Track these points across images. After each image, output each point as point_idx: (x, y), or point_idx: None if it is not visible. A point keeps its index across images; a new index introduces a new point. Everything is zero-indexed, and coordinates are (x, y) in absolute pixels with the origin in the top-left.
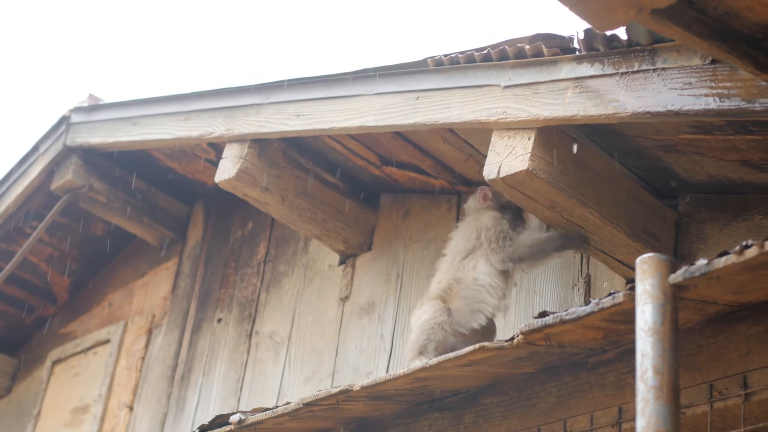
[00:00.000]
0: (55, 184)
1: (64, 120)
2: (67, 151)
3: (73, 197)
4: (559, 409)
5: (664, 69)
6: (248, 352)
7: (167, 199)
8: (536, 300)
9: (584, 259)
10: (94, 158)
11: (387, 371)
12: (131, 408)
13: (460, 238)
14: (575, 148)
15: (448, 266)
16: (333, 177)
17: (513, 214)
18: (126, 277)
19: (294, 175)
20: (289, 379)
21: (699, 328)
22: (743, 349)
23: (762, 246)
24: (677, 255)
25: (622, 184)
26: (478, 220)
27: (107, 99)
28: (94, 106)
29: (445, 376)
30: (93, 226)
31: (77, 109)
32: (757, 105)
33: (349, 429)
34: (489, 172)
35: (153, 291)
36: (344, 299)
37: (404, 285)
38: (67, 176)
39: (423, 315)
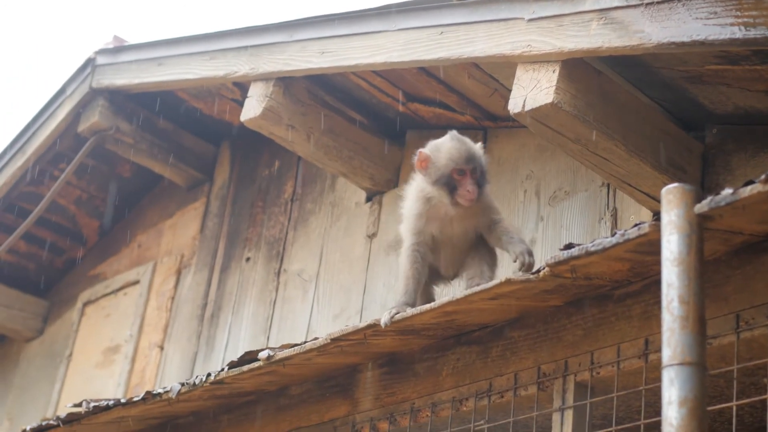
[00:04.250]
0: (82, 126)
1: (89, 62)
2: (93, 93)
3: (100, 139)
4: (586, 342)
5: None
6: (276, 291)
7: (193, 140)
8: (563, 233)
9: (611, 193)
10: (120, 100)
11: None
12: (162, 347)
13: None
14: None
15: None
16: (359, 114)
17: (448, 188)
18: (154, 218)
19: (319, 112)
20: (317, 317)
21: (725, 259)
22: None
23: None
24: (704, 186)
25: (647, 117)
26: (407, 199)
27: (132, 40)
28: (119, 48)
29: (472, 310)
30: (120, 167)
31: (102, 51)
32: None
33: (377, 364)
34: (514, 105)
35: (181, 231)
36: (371, 236)
37: None
38: (94, 118)
39: None
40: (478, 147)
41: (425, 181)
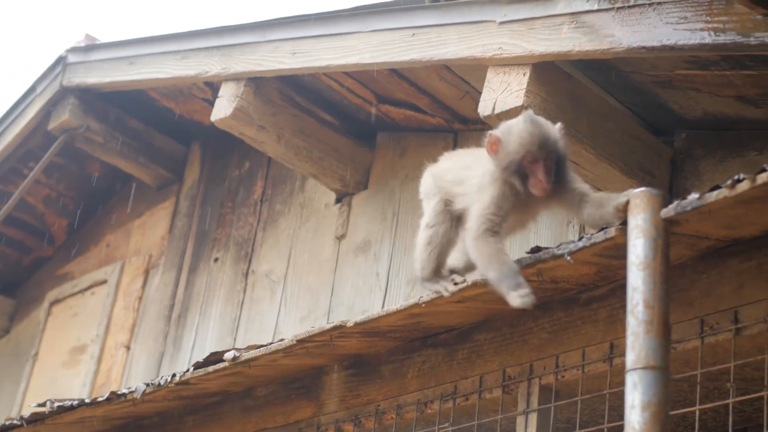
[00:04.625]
0: (52, 125)
1: (60, 60)
2: (64, 92)
3: (70, 137)
4: (552, 345)
5: (659, 3)
6: (244, 291)
7: (164, 139)
8: (531, 237)
9: None
10: (91, 98)
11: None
12: (128, 348)
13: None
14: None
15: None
16: (329, 116)
17: (519, 176)
18: (123, 218)
19: (290, 113)
20: (285, 318)
21: (691, 264)
22: (735, 284)
23: (754, 180)
24: (672, 191)
25: (617, 121)
26: (481, 174)
27: (104, 39)
28: (91, 46)
29: (439, 313)
30: (90, 166)
31: (74, 50)
32: (752, 39)
33: (343, 366)
34: (484, 108)
35: (150, 231)
36: (340, 238)
37: (400, 223)
38: (64, 116)
39: None
40: (556, 129)
41: (494, 165)
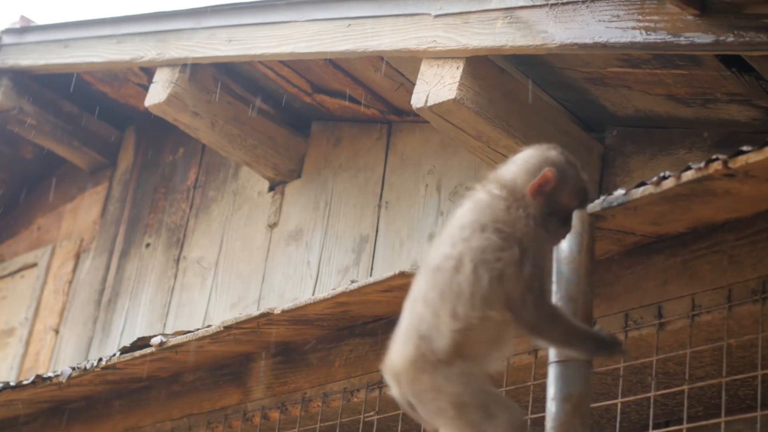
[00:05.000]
0: None
1: None
2: None
3: (3, 119)
4: None
5: (593, 1)
6: (175, 278)
7: (98, 124)
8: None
9: None
10: (25, 80)
11: None
12: (57, 331)
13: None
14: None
15: None
16: (264, 104)
17: (561, 221)
18: (55, 201)
19: (225, 101)
20: (215, 305)
21: (617, 259)
22: (660, 279)
23: (679, 177)
24: (602, 187)
25: (549, 116)
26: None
27: (39, 21)
28: (26, 28)
29: (367, 302)
30: (23, 149)
31: (8, 31)
32: (682, 39)
33: (270, 353)
34: (417, 100)
35: (82, 215)
36: (272, 226)
37: (332, 213)
38: None
39: None
40: None
41: (534, 206)
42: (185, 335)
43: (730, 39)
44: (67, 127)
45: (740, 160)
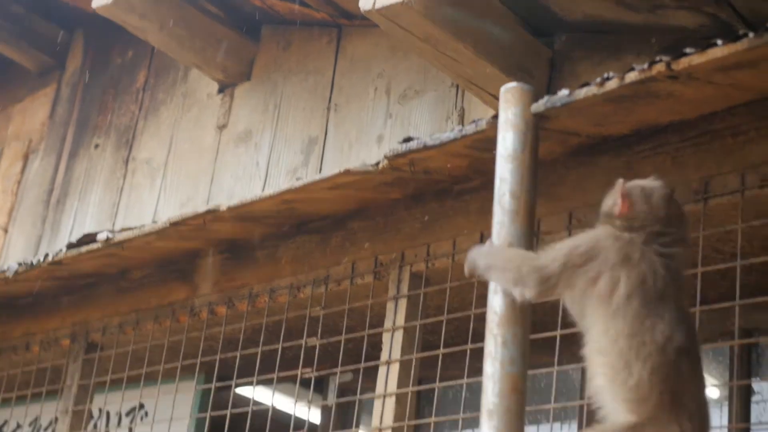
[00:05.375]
0: None
1: None
2: None
3: None
4: (424, 234)
5: None
6: (124, 178)
7: (46, 25)
8: (411, 131)
9: (459, 93)
10: None
11: None
12: (6, 230)
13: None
14: None
15: None
16: (214, 6)
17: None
18: (3, 103)
19: (173, 2)
20: (164, 205)
21: (563, 160)
22: (604, 180)
23: (622, 78)
24: (549, 91)
25: (498, 20)
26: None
27: None
28: None
29: (312, 199)
30: None
31: None
32: None
33: (218, 250)
34: (365, 3)
35: (30, 116)
36: (222, 127)
37: (282, 115)
38: None
39: None
40: None
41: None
42: (131, 231)
43: None
44: (15, 28)
45: (683, 62)
